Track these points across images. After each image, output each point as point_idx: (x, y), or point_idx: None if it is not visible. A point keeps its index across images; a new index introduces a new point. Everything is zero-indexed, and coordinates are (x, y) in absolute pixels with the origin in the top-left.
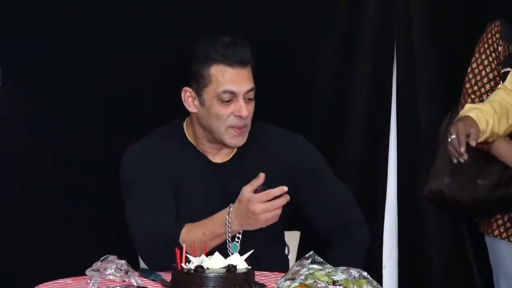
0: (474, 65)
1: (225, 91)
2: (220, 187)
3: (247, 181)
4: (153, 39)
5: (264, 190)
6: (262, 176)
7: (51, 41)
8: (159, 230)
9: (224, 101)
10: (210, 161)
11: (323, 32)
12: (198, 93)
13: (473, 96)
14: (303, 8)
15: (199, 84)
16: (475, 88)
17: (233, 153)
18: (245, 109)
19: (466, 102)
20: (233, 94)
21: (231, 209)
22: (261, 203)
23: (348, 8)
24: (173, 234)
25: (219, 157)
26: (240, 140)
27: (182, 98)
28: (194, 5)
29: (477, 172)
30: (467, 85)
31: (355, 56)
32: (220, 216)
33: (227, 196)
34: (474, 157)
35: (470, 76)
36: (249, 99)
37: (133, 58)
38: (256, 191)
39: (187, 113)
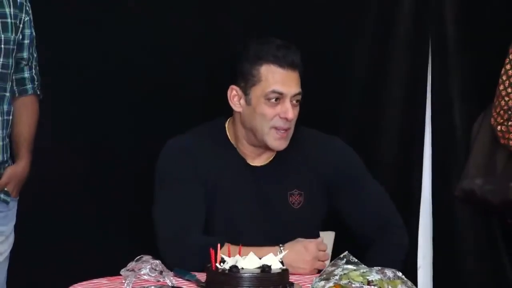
0: (508, 67)
1: (274, 91)
2: (257, 190)
3: (283, 185)
4: (185, 38)
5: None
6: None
7: (80, 39)
8: (190, 242)
9: (271, 102)
10: (248, 164)
11: (357, 33)
12: (245, 92)
13: (506, 99)
14: (336, 9)
15: (247, 82)
16: (509, 90)
17: (272, 157)
18: (291, 112)
19: (499, 104)
20: (281, 95)
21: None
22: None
23: (382, 9)
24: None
25: (258, 160)
26: (283, 144)
27: (228, 96)
28: (231, 6)
29: (510, 174)
30: (501, 87)
31: (390, 57)
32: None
33: (263, 199)
34: (507, 160)
35: (504, 77)
36: (296, 101)
37: (163, 56)
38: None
39: (229, 113)
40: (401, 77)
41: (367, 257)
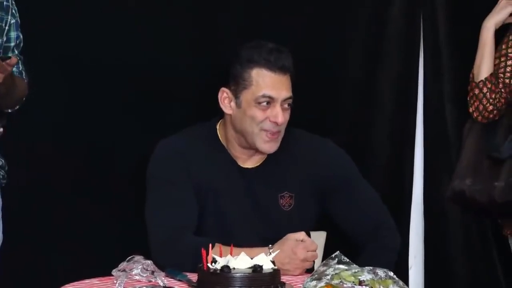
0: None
1: (264, 96)
2: (248, 192)
3: (274, 188)
4: (179, 39)
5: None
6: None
7: (74, 39)
8: (181, 241)
9: (261, 105)
10: (240, 166)
11: (348, 33)
12: (236, 94)
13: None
14: (329, 8)
15: (238, 86)
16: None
17: (263, 159)
18: (281, 116)
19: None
20: (271, 99)
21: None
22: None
23: (374, 8)
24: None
25: (249, 162)
26: (273, 146)
27: (219, 98)
28: (222, 8)
29: (496, 174)
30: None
31: (381, 58)
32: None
33: (254, 202)
34: (494, 160)
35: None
36: (286, 105)
37: (157, 58)
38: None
39: (221, 115)
40: (392, 78)
41: (360, 260)
